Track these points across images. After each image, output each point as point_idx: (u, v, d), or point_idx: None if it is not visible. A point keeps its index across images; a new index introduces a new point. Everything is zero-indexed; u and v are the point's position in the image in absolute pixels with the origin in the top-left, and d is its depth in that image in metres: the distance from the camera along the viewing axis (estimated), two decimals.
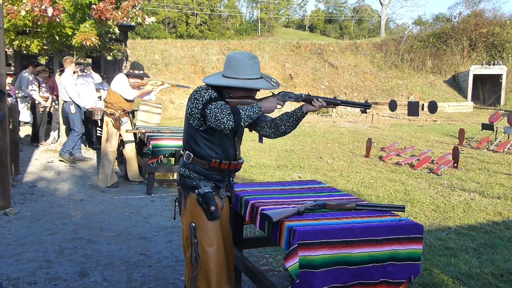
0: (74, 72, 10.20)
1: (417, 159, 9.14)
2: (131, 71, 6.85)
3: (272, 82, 2.73)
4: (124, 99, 6.81)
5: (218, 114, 2.52)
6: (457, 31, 27.39)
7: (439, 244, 4.73)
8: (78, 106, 8.64)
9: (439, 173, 8.14)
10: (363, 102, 2.98)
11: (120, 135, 7.07)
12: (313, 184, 3.64)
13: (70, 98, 8.46)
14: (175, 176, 7.34)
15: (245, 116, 2.60)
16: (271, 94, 2.85)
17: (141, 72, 6.87)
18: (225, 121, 2.52)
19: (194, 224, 2.72)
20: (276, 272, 4.07)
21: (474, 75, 24.71)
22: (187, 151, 2.78)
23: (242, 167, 2.96)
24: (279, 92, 2.82)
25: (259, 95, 2.85)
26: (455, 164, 8.66)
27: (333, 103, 2.85)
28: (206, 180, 2.76)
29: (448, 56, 26.75)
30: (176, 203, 2.96)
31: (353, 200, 3.12)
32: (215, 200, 2.74)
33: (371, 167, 8.81)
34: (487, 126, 12.10)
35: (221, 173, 2.78)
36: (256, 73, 2.72)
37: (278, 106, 2.78)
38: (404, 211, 2.91)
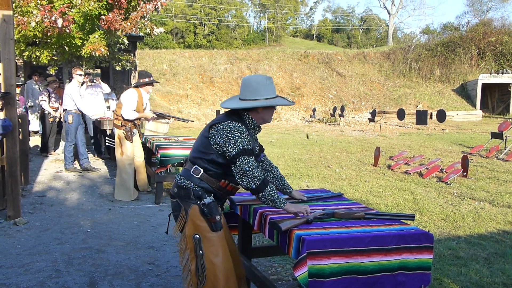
0: (83, 83, 10.31)
1: (426, 168, 9.08)
2: (140, 80, 6.79)
3: (288, 100, 2.90)
4: (122, 116, 6.74)
5: (247, 172, 2.63)
6: (465, 40, 27.37)
7: (449, 253, 4.69)
8: (79, 117, 8.65)
9: (448, 182, 8.09)
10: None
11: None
12: (321, 193, 3.62)
13: (77, 107, 8.49)
14: None
15: (267, 193, 2.68)
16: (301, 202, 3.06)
17: (150, 79, 6.83)
18: (250, 181, 2.64)
19: (198, 236, 2.73)
20: (285, 281, 4.05)
21: (482, 83, 24.65)
22: (196, 166, 2.81)
23: None
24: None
25: (277, 112, 2.89)
26: (465, 173, 8.60)
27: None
28: (208, 194, 2.82)
29: (456, 65, 26.71)
30: (170, 218, 2.99)
31: (362, 209, 3.10)
32: (219, 210, 2.80)
33: (380, 176, 8.77)
34: (497, 135, 12.03)
35: (226, 194, 2.92)
36: (273, 92, 2.85)
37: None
38: (414, 220, 2.88)
